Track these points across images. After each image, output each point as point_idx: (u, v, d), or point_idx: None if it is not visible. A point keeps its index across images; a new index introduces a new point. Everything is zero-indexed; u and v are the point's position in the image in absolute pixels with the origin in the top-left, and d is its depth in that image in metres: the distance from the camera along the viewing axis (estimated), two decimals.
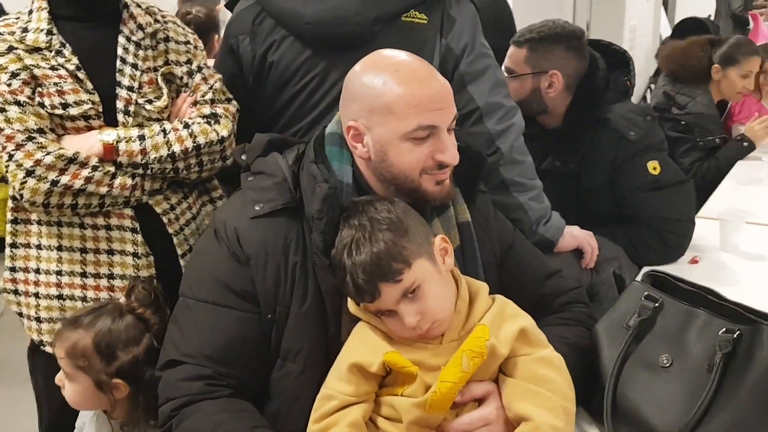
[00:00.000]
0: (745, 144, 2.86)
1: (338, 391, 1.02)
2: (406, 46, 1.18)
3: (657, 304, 1.10)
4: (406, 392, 1.01)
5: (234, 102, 1.45)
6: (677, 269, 1.77)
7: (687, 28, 4.45)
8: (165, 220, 1.36)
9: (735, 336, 0.97)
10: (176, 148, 1.31)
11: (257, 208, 1.10)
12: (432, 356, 1.02)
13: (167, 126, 1.33)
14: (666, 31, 6.26)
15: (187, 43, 1.43)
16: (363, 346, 1.04)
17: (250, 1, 1.50)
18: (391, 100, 1.06)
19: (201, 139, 1.34)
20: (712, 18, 6.24)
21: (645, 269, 1.76)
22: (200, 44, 1.48)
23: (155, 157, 1.29)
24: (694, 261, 1.84)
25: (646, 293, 1.12)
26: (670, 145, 2.68)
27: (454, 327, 1.04)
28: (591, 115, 1.84)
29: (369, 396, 1.03)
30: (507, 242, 1.28)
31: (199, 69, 1.43)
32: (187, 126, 1.34)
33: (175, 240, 1.37)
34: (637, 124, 1.83)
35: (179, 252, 1.38)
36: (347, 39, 1.41)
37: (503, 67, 1.87)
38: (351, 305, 1.07)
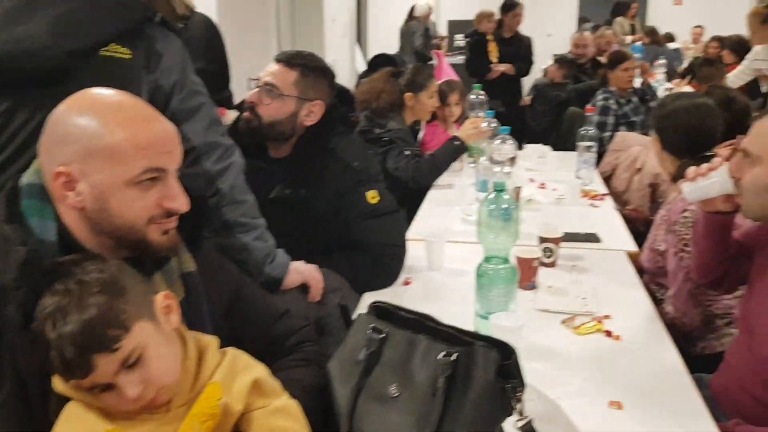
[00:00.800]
0: (457, 143, 3.15)
1: None
2: (108, 82, 1.06)
3: (383, 335, 1.12)
4: None
5: None
6: (393, 292, 1.88)
7: (379, 63, 4.86)
8: None
9: (453, 358, 1.02)
10: None
11: None
12: (159, 426, 0.93)
13: None
14: (362, 66, 6.78)
15: None
16: (76, 429, 0.91)
17: None
18: (113, 142, 0.95)
19: None
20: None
21: (365, 295, 1.86)
22: None
23: None
24: (407, 282, 1.96)
25: (372, 325, 1.14)
26: (382, 159, 2.91)
27: (182, 390, 0.96)
28: (323, 145, 1.88)
29: None
30: (234, 288, 1.23)
31: None
32: None
33: None
34: (360, 156, 1.93)
35: None
36: (36, 75, 1.24)
37: (262, 81, 1.84)
38: (57, 383, 0.92)
